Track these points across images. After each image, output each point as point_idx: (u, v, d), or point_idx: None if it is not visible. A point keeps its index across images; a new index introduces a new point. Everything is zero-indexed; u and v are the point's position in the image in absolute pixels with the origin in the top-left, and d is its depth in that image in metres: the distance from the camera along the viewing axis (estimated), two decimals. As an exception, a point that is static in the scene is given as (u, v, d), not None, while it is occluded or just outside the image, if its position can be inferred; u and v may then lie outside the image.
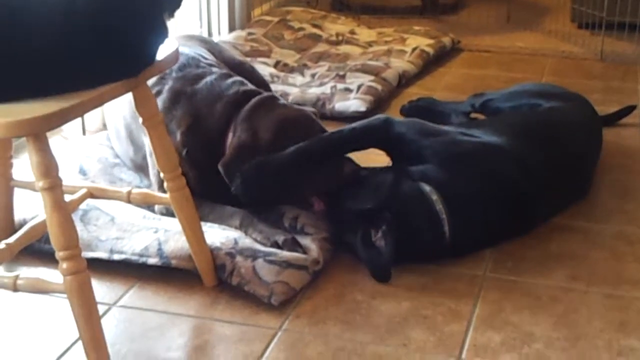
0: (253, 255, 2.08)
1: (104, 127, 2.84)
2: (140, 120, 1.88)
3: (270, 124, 2.27)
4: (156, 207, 2.32)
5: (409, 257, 2.14)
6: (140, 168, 2.47)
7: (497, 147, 2.34)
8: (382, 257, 2.09)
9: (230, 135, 2.28)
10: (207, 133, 2.29)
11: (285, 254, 2.10)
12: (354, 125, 2.37)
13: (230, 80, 2.40)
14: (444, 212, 2.15)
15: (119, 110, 2.50)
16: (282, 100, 2.41)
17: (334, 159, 2.29)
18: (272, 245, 2.14)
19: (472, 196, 2.20)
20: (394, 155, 2.39)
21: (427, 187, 2.18)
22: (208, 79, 2.38)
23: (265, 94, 2.40)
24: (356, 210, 2.16)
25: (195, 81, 2.36)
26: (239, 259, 2.06)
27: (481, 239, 2.24)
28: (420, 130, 2.37)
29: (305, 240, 2.17)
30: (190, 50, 2.52)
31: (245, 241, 2.14)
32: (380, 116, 2.42)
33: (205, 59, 2.53)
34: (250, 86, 2.43)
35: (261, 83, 2.82)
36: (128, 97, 1.85)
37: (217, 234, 2.15)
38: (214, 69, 2.44)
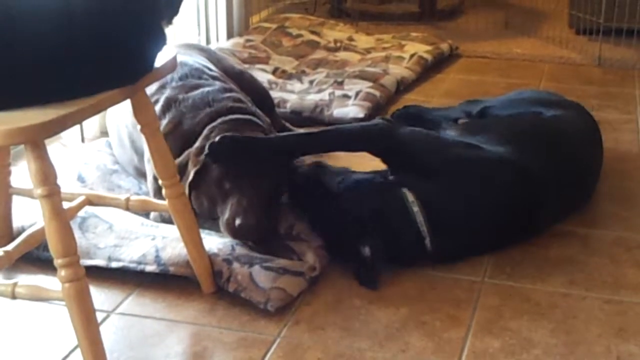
0: (250, 261, 2.07)
1: (103, 134, 2.84)
2: (139, 127, 1.88)
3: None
4: (151, 215, 2.32)
5: (393, 263, 2.15)
6: (144, 175, 2.46)
7: (500, 161, 2.28)
8: (370, 269, 2.09)
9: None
10: (184, 137, 2.28)
11: (282, 260, 2.10)
12: (352, 126, 2.33)
13: (226, 95, 2.38)
14: (425, 224, 2.13)
15: (121, 118, 2.50)
16: (254, 128, 2.31)
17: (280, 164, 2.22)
18: (266, 254, 2.14)
19: (459, 211, 2.17)
20: (390, 164, 2.33)
21: (410, 197, 2.15)
22: (205, 89, 2.37)
23: (246, 117, 2.33)
24: (343, 224, 2.14)
25: (191, 89, 2.36)
26: (235, 265, 2.06)
27: (470, 249, 2.23)
28: (422, 143, 2.31)
29: (301, 247, 2.17)
30: (193, 60, 2.52)
31: (243, 247, 2.14)
32: (380, 122, 2.34)
33: (210, 70, 2.52)
34: (243, 105, 2.38)
35: (261, 92, 2.81)
36: (129, 106, 1.85)
37: (214, 240, 2.15)
38: (217, 83, 2.43)
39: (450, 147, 2.34)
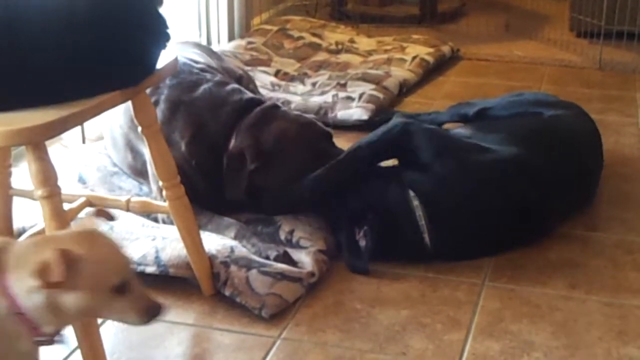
0: (247, 265, 2.07)
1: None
2: (139, 128, 1.88)
3: (271, 133, 2.31)
4: (159, 215, 2.32)
5: (393, 256, 2.21)
6: (140, 173, 2.46)
7: (503, 161, 2.30)
8: (362, 254, 2.16)
9: (233, 141, 2.31)
10: (212, 139, 2.32)
11: (280, 265, 2.09)
12: (372, 139, 2.34)
13: (229, 88, 2.42)
14: (424, 219, 2.18)
15: (114, 119, 2.49)
16: (283, 109, 2.44)
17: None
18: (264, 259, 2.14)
19: (459, 209, 2.21)
20: (402, 160, 2.40)
21: (411, 193, 2.21)
22: (205, 86, 2.38)
23: (268, 102, 2.42)
24: (344, 209, 2.23)
25: (192, 89, 2.37)
26: (233, 268, 2.05)
27: (470, 248, 2.24)
28: (437, 143, 2.34)
29: (299, 255, 2.16)
30: (180, 56, 2.52)
31: (242, 250, 2.14)
32: (397, 123, 2.37)
33: (197, 62, 2.52)
34: (249, 94, 2.45)
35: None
36: (123, 107, 1.84)
37: (213, 241, 2.15)
38: (208, 75, 2.45)
39: (456, 145, 2.38)
